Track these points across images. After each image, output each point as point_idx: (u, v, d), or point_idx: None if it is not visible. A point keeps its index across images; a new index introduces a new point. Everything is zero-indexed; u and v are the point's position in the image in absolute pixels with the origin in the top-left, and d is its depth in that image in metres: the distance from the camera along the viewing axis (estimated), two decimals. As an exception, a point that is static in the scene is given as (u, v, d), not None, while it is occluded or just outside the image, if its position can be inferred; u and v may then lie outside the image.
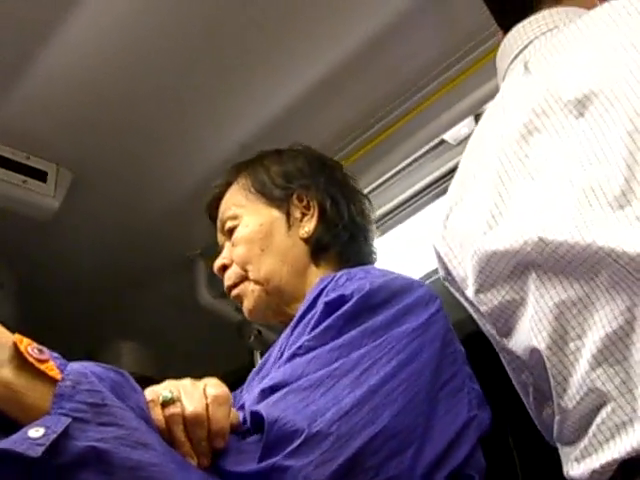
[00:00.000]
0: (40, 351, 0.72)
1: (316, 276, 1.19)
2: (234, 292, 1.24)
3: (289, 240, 1.21)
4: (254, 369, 1.11)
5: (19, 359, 0.71)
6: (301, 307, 1.05)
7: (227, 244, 1.26)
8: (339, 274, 1.04)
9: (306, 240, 1.22)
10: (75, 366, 0.73)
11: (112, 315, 2.50)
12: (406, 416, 0.87)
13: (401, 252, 2.11)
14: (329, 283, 1.03)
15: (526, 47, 1.09)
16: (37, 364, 0.71)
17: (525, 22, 1.11)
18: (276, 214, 1.23)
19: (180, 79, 1.83)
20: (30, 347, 0.72)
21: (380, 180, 2.03)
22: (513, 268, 0.94)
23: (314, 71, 1.84)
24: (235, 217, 1.25)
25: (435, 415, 0.91)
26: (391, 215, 2.09)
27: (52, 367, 0.71)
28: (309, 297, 1.05)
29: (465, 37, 1.78)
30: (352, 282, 1.00)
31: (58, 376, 0.71)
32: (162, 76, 1.81)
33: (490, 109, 1.12)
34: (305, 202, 1.24)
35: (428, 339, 0.96)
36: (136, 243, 2.25)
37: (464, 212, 1.04)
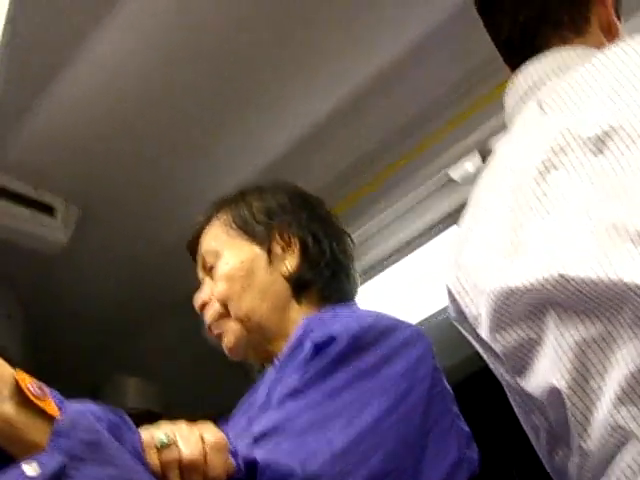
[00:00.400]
0: (40, 388, 0.72)
1: (298, 313, 1.17)
2: (215, 330, 1.22)
3: (270, 277, 1.19)
4: (238, 406, 1.10)
5: (19, 395, 0.71)
6: (287, 346, 1.04)
7: (207, 280, 1.24)
8: (325, 313, 1.04)
9: (287, 277, 1.20)
10: (74, 405, 0.73)
11: (118, 350, 2.49)
12: (398, 457, 0.87)
13: (407, 288, 2.11)
14: (315, 322, 1.02)
15: (537, 85, 1.09)
16: (37, 401, 0.71)
17: (535, 60, 1.11)
18: (257, 250, 1.21)
19: (188, 113, 1.84)
20: (30, 384, 0.72)
21: (387, 217, 2.04)
22: (531, 306, 0.92)
23: (319, 109, 1.86)
24: (216, 253, 1.23)
25: (425, 456, 0.91)
26: (398, 252, 2.09)
27: (51, 405, 0.71)
28: (295, 336, 1.04)
29: (469, 74, 1.80)
30: (339, 322, 1.00)
31: (56, 414, 0.70)
32: (170, 110, 1.83)
33: (501, 147, 1.11)
34: (287, 238, 1.23)
35: (418, 379, 0.96)
36: (143, 278, 2.25)
37: (478, 250, 1.03)
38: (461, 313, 1.07)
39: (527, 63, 1.12)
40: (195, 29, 1.66)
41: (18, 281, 2.19)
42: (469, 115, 1.85)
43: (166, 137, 1.90)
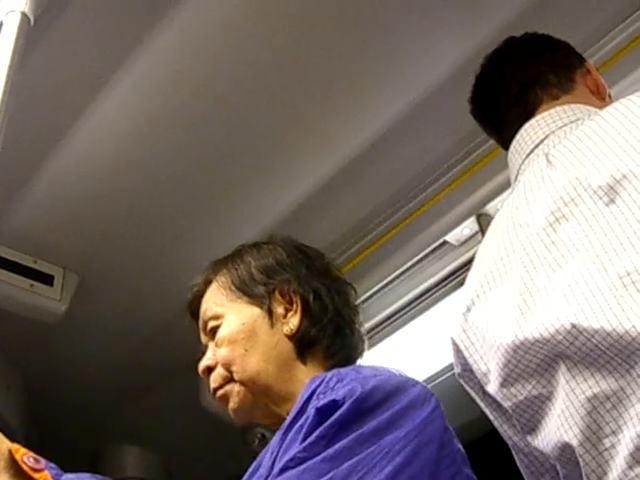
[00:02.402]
0: (36, 460, 0.73)
1: (303, 373, 1.15)
2: (219, 393, 1.18)
3: (273, 338, 1.17)
4: (246, 474, 1.08)
5: (15, 468, 0.71)
6: (292, 410, 1.01)
7: (211, 344, 1.22)
8: (329, 375, 1.01)
9: (291, 336, 1.17)
10: (70, 477, 0.73)
11: (116, 418, 2.47)
12: None
13: (406, 353, 2.10)
14: (319, 385, 1.00)
15: (542, 141, 1.11)
16: (32, 473, 0.71)
17: (538, 118, 1.14)
18: (258, 312, 1.19)
19: (187, 183, 1.87)
20: (26, 456, 0.72)
21: (384, 282, 2.04)
22: (540, 361, 0.91)
23: (318, 174, 1.88)
24: (217, 317, 1.21)
25: None
26: (395, 317, 2.08)
27: (47, 477, 0.71)
28: (300, 400, 1.01)
29: (464, 139, 1.82)
30: (343, 385, 0.97)
31: (52, 485, 0.71)
32: (168, 182, 1.86)
33: (509, 202, 1.12)
34: (287, 297, 1.20)
35: (425, 441, 0.92)
36: (140, 347, 2.24)
37: (488, 305, 1.02)
38: (468, 369, 1.05)
39: (530, 121, 1.15)
40: (188, 97, 1.69)
41: (16, 351, 2.19)
42: (465, 180, 1.87)
43: (165, 208, 1.92)
